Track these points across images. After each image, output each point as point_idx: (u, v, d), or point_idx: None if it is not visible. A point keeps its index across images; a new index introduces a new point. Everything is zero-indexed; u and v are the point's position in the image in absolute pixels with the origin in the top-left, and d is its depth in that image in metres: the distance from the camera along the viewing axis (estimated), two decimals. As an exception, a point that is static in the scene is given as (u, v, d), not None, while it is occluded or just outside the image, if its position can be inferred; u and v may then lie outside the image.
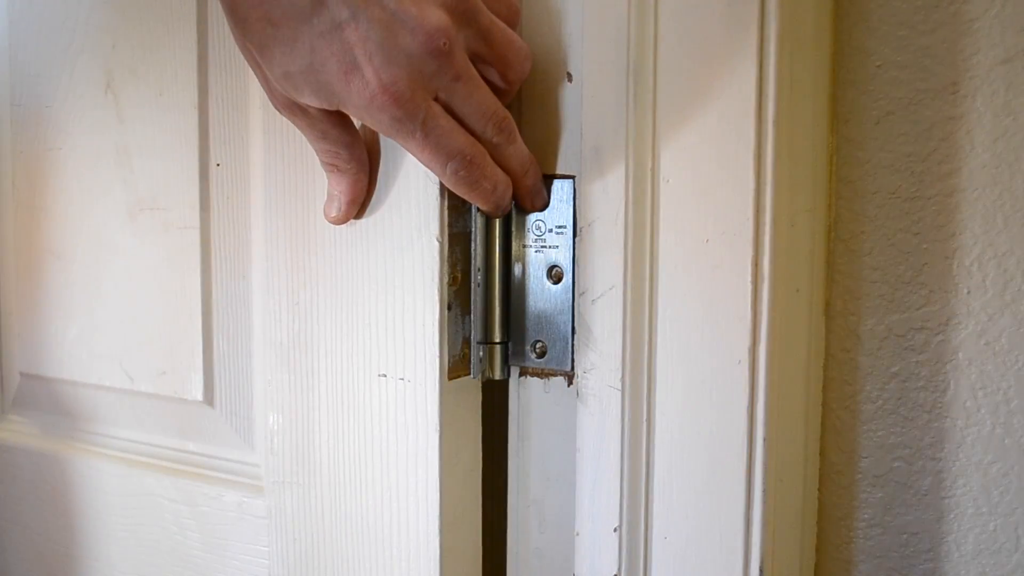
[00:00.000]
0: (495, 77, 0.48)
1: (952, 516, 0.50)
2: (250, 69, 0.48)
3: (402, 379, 0.53)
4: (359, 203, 0.53)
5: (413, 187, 0.52)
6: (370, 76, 0.44)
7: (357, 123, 0.52)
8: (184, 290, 0.65)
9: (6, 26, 0.74)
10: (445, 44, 0.44)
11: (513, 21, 0.49)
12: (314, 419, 0.57)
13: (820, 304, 0.52)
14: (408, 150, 0.47)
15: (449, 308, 0.52)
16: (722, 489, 0.47)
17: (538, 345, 0.53)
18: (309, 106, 0.48)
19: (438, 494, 0.52)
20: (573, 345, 0.51)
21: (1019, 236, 0.48)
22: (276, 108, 0.49)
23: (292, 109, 0.48)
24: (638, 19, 0.47)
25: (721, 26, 0.45)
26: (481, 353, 0.53)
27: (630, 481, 0.50)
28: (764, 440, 0.46)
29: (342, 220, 0.53)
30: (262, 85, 0.49)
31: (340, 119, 0.50)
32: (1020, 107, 0.47)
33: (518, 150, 0.49)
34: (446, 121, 0.46)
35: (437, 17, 0.44)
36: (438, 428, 0.52)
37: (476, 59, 0.47)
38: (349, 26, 0.43)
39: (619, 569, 0.50)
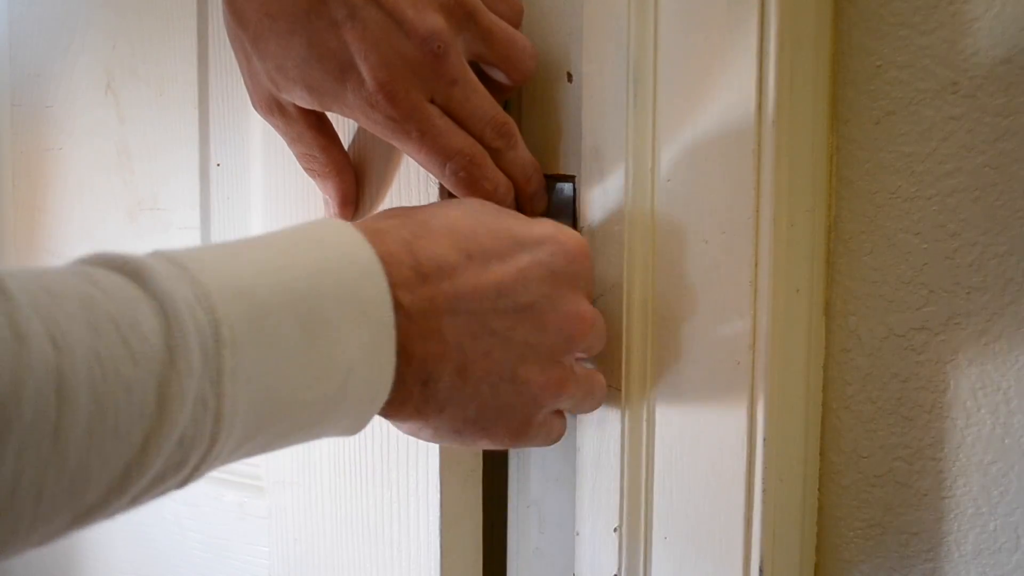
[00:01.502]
0: (501, 77, 0.49)
1: (952, 516, 0.50)
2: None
3: (402, 379, 0.53)
4: (351, 204, 0.53)
5: (413, 188, 0.52)
6: (365, 75, 0.44)
7: (343, 129, 0.52)
8: (184, 290, 0.65)
9: (6, 26, 0.74)
10: (440, 48, 0.44)
11: (516, 20, 0.49)
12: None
13: (820, 304, 0.52)
14: (405, 151, 0.47)
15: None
16: (722, 489, 0.47)
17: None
18: (290, 105, 0.48)
19: (438, 494, 0.52)
20: (573, 346, 0.51)
21: (1019, 236, 0.48)
22: (254, 105, 0.49)
23: (271, 108, 0.48)
24: (638, 19, 0.47)
25: (721, 26, 0.45)
26: (481, 354, 0.53)
27: (630, 481, 0.50)
28: (764, 440, 0.46)
29: None
30: (246, 80, 0.48)
31: (317, 121, 0.50)
32: (1020, 107, 0.47)
33: (520, 156, 0.49)
34: (443, 122, 0.46)
35: (432, 21, 0.44)
36: (438, 428, 0.52)
37: (479, 60, 0.47)
38: (346, 25, 0.43)
39: (619, 569, 0.50)
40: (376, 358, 0.38)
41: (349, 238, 0.38)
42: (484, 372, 0.41)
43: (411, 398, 0.40)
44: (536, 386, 0.42)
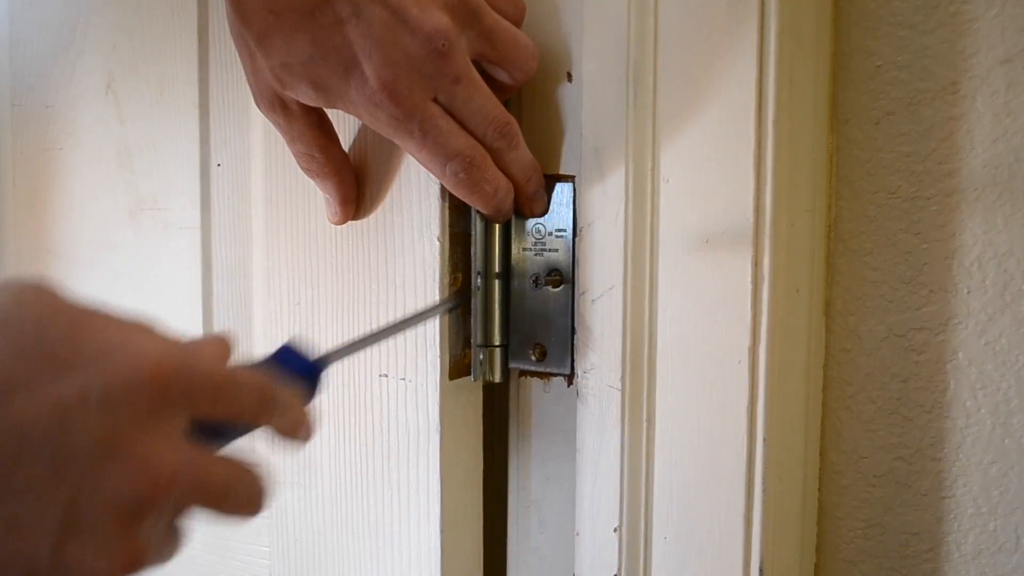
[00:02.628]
0: (503, 76, 0.49)
1: (952, 516, 0.50)
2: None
3: (403, 379, 0.53)
4: (351, 203, 0.53)
5: (414, 187, 0.52)
6: (369, 74, 0.44)
7: (344, 130, 0.52)
8: (184, 290, 0.65)
9: (7, 26, 0.74)
10: (444, 46, 0.44)
11: (518, 19, 0.49)
12: (315, 419, 0.57)
13: (820, 304, 0.52)
14: (407, 150, 0.48)
15: (450, 309, 0.52)
16: (722, 489, 0.47)
17: (537, 348, 0.53)
18: (293, 103, 0.48)
19: (439, 494, 0.52)
20: (572, 349, 0.51)
21: (1019, 236, 0.48)
22: (256, 102, 0.49)
23: (274, 105, 0.48)
24: (638, 19, 0.47)
25: (721, 26, 0.45)
26: (481, 356, 0.53)
27: (630, 481, 0.50)
28: (764, 440, 0.46)
29: (340, 221, 0.54)
30: (249, 78, 0.49)
31: (319, 120, 0.50)
32: (1020, 107, 0.47)
33: (521, 156, 0.49)
34: (445, 122, 0.46)
35: (437, 19, 0.44)
36: (439, 428, 0.52)
37: (481, 59, 0.47)
38: (351, 23, 0.43)
39: (619, 569, 0.50)
40: None
41: None
42: (10, 551, 0.29)
43: None
44: (91, 569, 0.30)
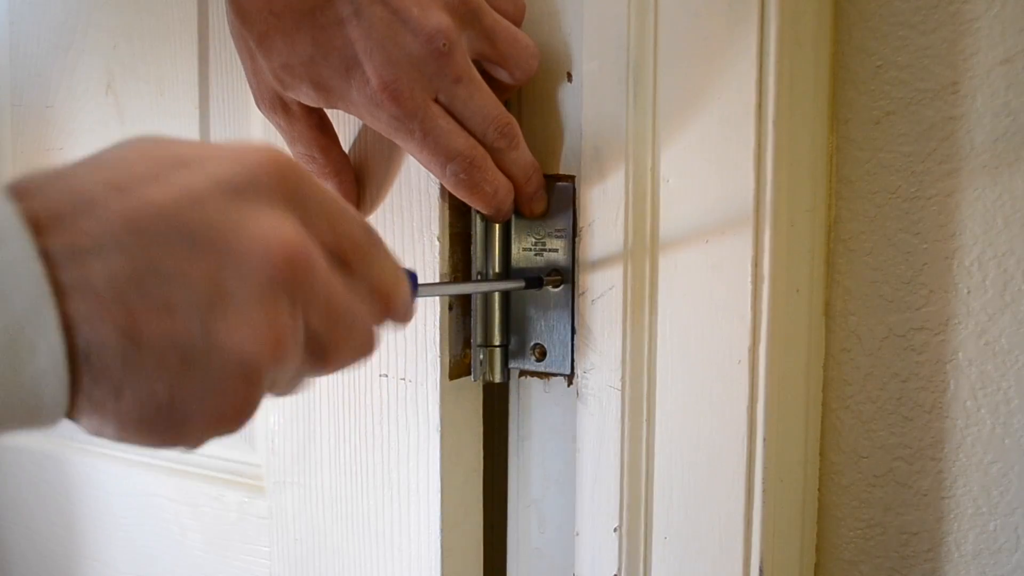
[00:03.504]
0: (503, 76, 0.49)
1: (952, 516, 0.50)
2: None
3: (403, 379, 0.53)
4: (351, 203, 0.53)
5: (414, 187, 0.52)
6: (370, 74, 0.44)
7: (344, 131, 0.52)
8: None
9: (7, 26, 0.75)
10: (445, 45, 0.44)
11: (518, 18, 0.49)
12: (315, 419, 0.57)
13: (820, 304, 0.52)
14: (408, 150, 0.48)
15: (450, 308, 0.52)
16: (722, 489, 0.47)
17: (537, 348, 0.53)
18: (294, 103, 0.48)
19: (439, 494, 0.52)
20: (573, 349, 0.51)
21: (1019, 236, 0.48)
22: (257, 103, 0.49)
23: (275, 106, 0.48)
24: (638, 19, 0.47)
25: (721, 26, 0.45)
26: (481, 356, 0.53)
27: (630, 481, 0.50)
28: (764, 440, 0.46)
29: None
30: (249, 79, 0.49)
31: (319, 121, 0.50)
32: (1020, 107, 0.47)
33: (521, 156, 0.49)
34: (446, 122, 0.46)
35: (438, 19, 0.44)
36: (439, 428, 0.52)
37: (482, 59, 0.48)
38: (351, 23, 0.43)
39: (619, 569, 0.50)
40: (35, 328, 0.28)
41: None
42: (164, 332, 0.30)
43: (75, 380, 0.30)
44: (242, 345, 0.31)
